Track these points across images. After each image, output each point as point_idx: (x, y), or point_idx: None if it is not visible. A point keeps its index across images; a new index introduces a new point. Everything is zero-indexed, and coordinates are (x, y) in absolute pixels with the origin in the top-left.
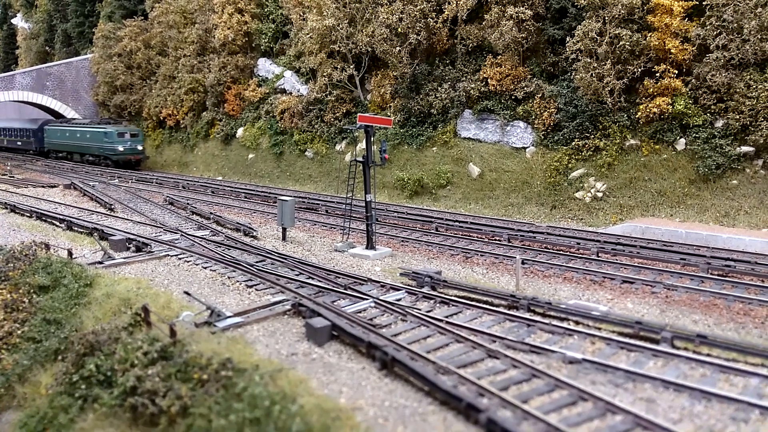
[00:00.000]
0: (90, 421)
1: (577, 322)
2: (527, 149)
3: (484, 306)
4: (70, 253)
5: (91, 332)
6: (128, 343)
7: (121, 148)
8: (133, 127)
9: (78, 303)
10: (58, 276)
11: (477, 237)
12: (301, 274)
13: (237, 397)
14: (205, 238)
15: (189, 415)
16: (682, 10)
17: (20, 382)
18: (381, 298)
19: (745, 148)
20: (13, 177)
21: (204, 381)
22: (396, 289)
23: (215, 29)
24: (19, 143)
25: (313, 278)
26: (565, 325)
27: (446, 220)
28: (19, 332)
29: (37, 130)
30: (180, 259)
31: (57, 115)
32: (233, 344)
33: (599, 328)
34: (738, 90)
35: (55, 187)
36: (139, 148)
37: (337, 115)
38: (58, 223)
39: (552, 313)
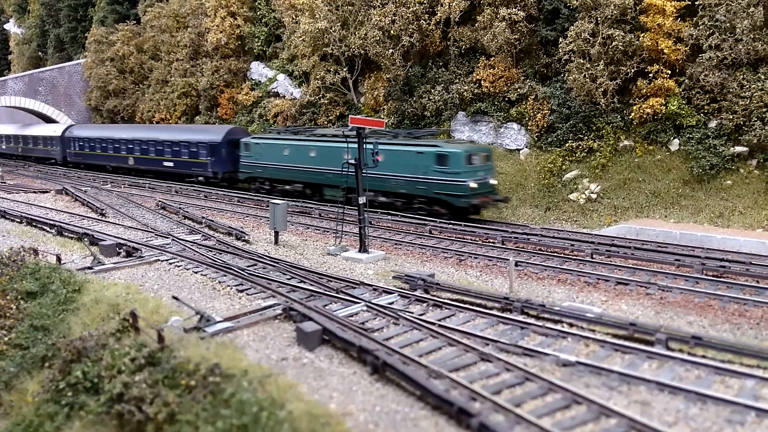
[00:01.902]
0: (76, 428)
1: (571, 325)
2: (521, 151)
3: (478, 309)
4: (58, 259)
5: (79, 338)
6: (115, 350)
7: (473, 185)
8: (481, 144)
9: (66, 309)
10: (46, 282)
11: (470, 239)
12: (292, 278)
13: (225, 403)
14: (196, 243)
15: (176, 422)
16: (674, 10)
17: (6, 389)
18: (373, 301)
19: (738, 149)
20: (4, 183)
21: (191, 387)
22: (388, 292)
23: (208, 33)
24: (168, 164)
25: (304, 282)
26: (558, 327)
27: (439, 222)
28: (5, 339)
29: (220, 146)
30: (170, 264)
31: (48, 120)
32: (222, 349)
33: (593, 330)
34: (731, 90)
35: (46, 192)
36: (492, 181)
37: (331, 117)
38: (48, 229)
39: (546, 316)
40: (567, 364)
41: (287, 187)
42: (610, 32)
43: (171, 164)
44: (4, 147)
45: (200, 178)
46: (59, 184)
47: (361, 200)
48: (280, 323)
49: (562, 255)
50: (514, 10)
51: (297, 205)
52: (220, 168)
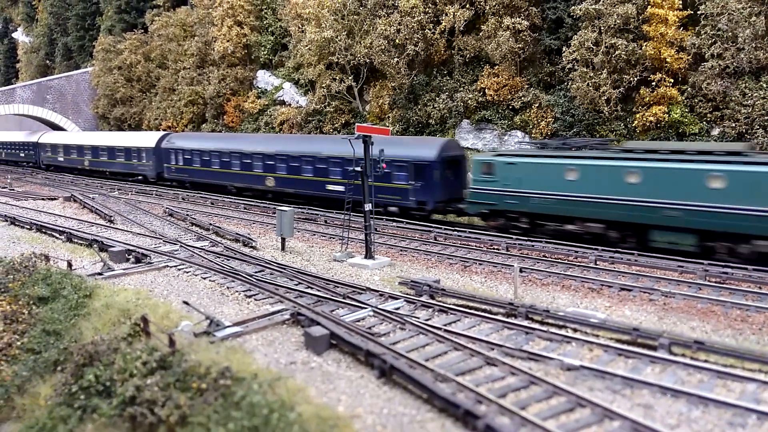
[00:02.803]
0: (89, 431)
1: (575, 330)
2: None
3: (483, 314)
4: (69, 265)
5: (91, 343)
6: (127, 354)
7: None
8: None
9: (77, 314)
10: (57, 287)
11: (475, 246)
12: (299, 283)
13: (235, 405)
14: (204, 249)
15: (187, 424)
16: (677, 20)
17: (19, 393)
18: (380, 306)
19: None
20: (13, 190)
21: (203, 390)
22: (395, 297)
23: (215, 42)
24: (335, 188)
25: (311, 288)
26: (563, 332)
27: (445, 229)
28: (18, 343)
29: (431, 166)
30: (179, 269)
31: (55, 128)
32: (232, 353)
33: (597, 336)
34: (733, 98)
35: (54, 199)
36: None
37: (336, 125)
38: (57, 235)
39: (550, 321)
40: (571, 368)
41: (569, 226)
42: (613, 41)
43: (341, 188)
44: (62, 159)
45: (392, 209)
46: (67, 192)
47: (367, 207)
48: (288, 328)
49: (566, 261)
50: (518, 19)
51: (303, 212)
52: (429, 196)
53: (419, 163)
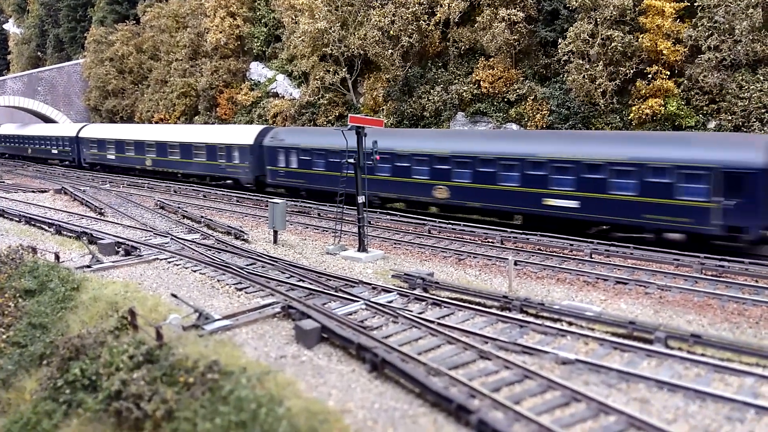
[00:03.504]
0: (74, 426)
1: (570, 323)
2: None
3: (477, 307)
4: (57, 257)
5: (77, 336)
6: (114, 347)
7: None
8: None
9: (64, 307)
10: (44, 280)
11: (470, 239)
12: (291, 276)
13: (223, 400)
14: (195, 242)
15: (174, 419)
16: (673, 12)
17: (4, 387)
18: (372, 300)
19: None
20: (3, 182)
21: (190, 384)
22: (388, 291)
23: (207, 33)
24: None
25: (303, 281)
26: (558, 325)
27: (438, 222)
28: (4, 337)
29: None
30: (169, 262)
31: (46, 120)
32: (221, 347)
33: (592, 329)
34: (730, 91)
35: (45, 192)
36: None
37: (330, 118)
38: (47, 228)
39: (545, 314)
40: (566, 362)
41: None
42: (609, 33)
43: (573, 204)
44: (113, 158)
45: (672, 235)
46: (58, 184)
47: (360, 199)
48: (278, 321)
49: (561, 254)
50: (513, 10)
51: (296, 205)
52: (751, 219)
53: (735, 171)
